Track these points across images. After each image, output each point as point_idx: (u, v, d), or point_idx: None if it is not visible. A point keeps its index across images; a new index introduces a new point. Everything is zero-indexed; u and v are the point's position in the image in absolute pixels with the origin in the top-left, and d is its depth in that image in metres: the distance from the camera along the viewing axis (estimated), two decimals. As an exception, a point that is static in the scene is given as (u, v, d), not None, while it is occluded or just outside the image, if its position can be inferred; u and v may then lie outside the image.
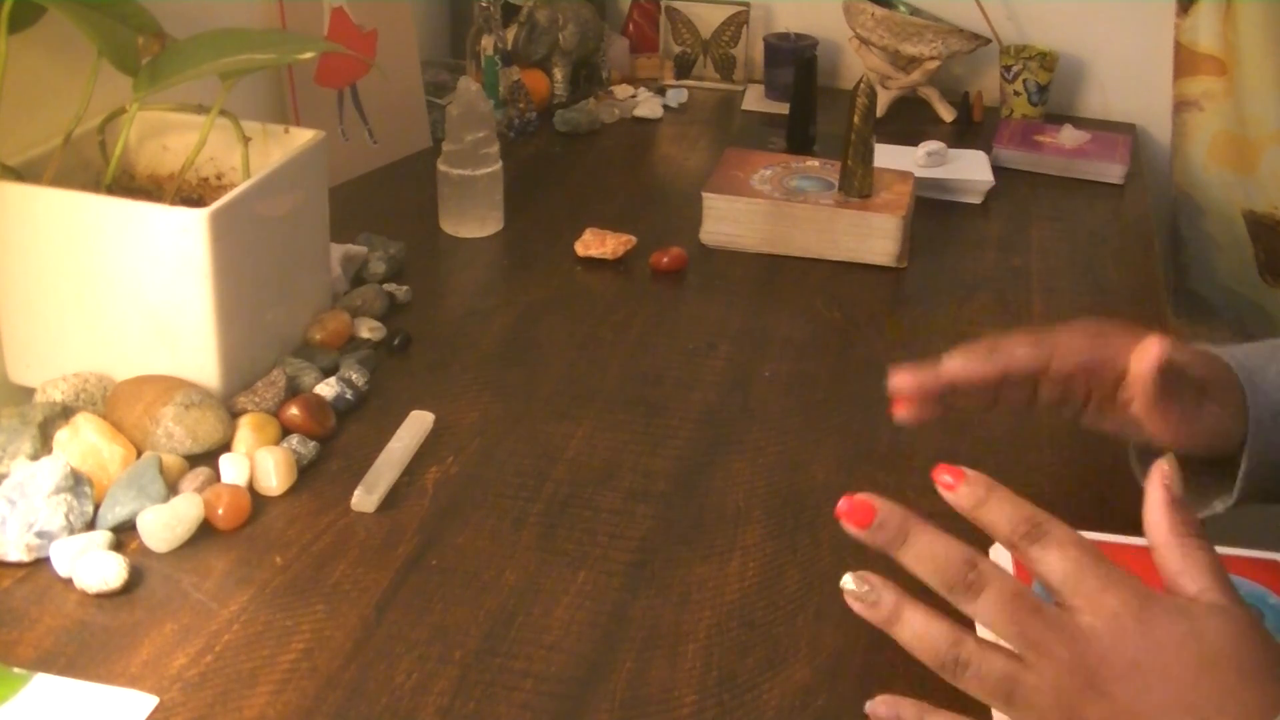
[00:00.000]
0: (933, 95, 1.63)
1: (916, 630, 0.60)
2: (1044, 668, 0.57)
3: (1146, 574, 0.70)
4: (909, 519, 0.61)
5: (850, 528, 0.61)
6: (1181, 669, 0.56)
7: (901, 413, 0.79)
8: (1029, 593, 0.58)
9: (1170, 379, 0.72)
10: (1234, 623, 0.57)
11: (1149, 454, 0.78)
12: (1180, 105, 1.60)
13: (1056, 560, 0.58)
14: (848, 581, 0.62)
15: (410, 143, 1.40)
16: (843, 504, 0.61)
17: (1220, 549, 0.69)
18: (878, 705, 0.64)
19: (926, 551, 0.60)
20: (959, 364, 0.77)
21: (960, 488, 0.61)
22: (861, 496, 0.61)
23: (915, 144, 1.41)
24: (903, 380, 0.78)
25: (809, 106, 1.44)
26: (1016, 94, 1.61)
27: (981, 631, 0.60)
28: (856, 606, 0.62)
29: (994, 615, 0.58)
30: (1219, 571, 0.58)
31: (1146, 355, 0.72)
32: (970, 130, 1.59)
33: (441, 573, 0.77)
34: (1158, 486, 0.60)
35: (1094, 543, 0.70)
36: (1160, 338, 0.72)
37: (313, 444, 0.87)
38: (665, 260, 1.17)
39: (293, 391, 0.92)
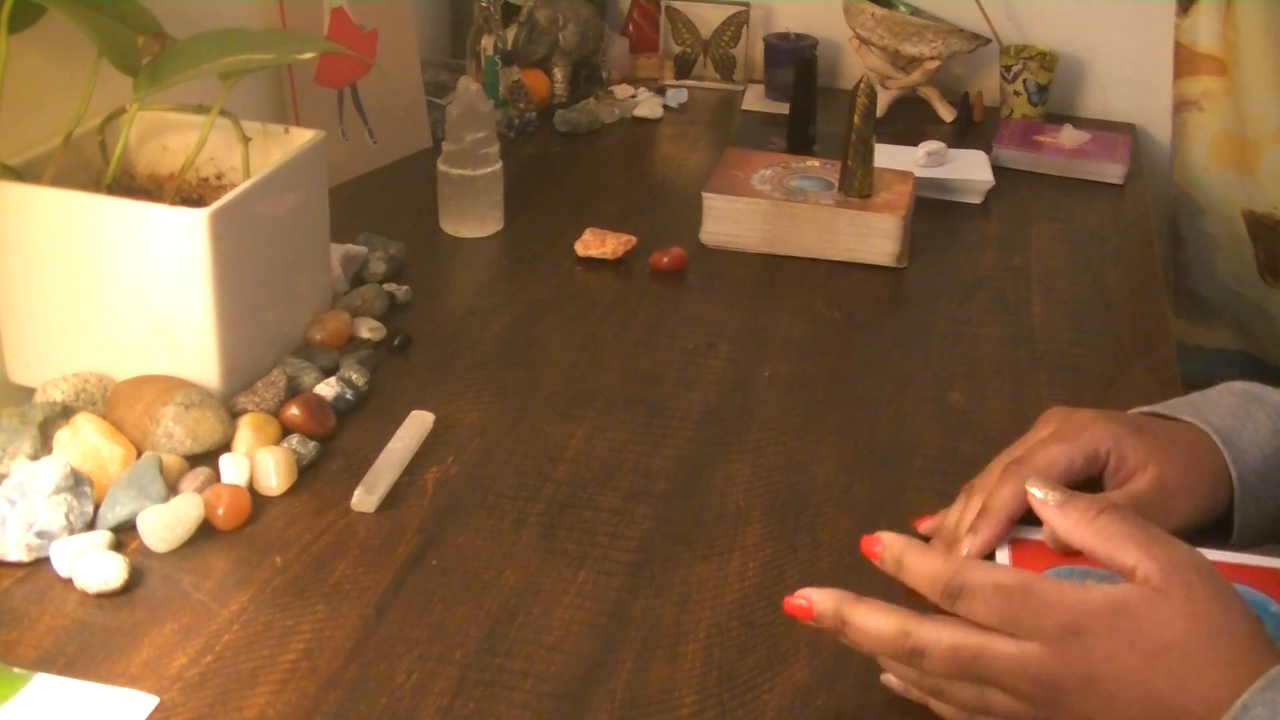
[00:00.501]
0: (933, 95, 1.63)
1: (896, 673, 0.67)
2: (1006, 703, 0.60)
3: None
4: (842, 604, 0.63)
5: (802, 619, 0.65)
6: (1132, 671, 0.57)
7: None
8: (964, 645, 0.60)
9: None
10: (1171, 605, 0.58)
11: None
12: (1180, 105, 1.60)
13: (981, 607, 0.60)
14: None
15: (410, 143, 1.40)
16: (786, 603, 0.65)
17: (1222, 555, 0.70)
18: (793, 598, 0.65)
19: (865, 631, 0.63)
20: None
21: (884, 555, 0.66)
22: (800, 595, 0.65)
23: (915, 144, 1.41)
24: None
25: (809, 106, 1.45)
26: (1016, 94, 1.61)
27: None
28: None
29: (944, 674, 0.61)
30: (1144, 536, 0.60)
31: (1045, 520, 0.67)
32: (970, 130, 1.59)
33: (441, 573, 0.77)
34: (1040, 507, 0.64)
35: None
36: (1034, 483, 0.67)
37: (313, 444, 0.87)
38: (665, 260, 1.17)
39: (293, 391, 0.92)
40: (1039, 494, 0.64)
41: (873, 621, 0.62)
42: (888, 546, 0.65)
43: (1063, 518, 0.63)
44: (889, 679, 0.68)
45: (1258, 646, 0.57)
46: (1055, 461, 0.72)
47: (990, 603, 0.60)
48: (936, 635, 0.60)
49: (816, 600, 0.64)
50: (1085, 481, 0.73)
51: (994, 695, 0.61)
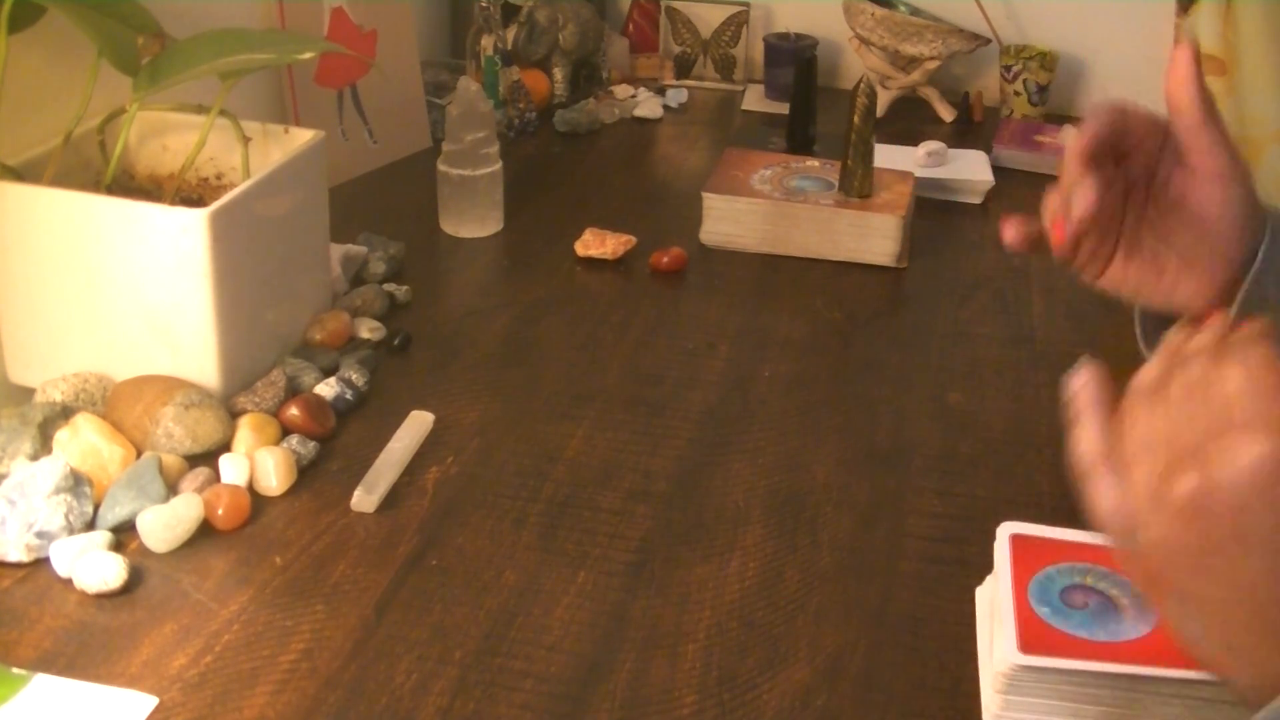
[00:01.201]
0: (933, 95, 1.63)
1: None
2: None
3: None
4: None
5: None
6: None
7: (1059, 238, 0.76)
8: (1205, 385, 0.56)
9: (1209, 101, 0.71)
10: None
11: (1154, 320, 0.79)
12: (1180, 105, 1.60)
13: (1238, 378, 0.55)
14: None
15: (410, 143, 1.40)
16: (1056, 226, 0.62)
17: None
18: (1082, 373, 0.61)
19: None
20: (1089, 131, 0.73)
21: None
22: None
23: (915, 144, 1.41)
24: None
25: (809, 106, 1.44)
26: (1016, 94, 1.61)
27: None
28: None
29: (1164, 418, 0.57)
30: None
31: (1179, 63, 0.70)
32: (970, 130, 1.59)
33: (441, 573, 0.77)
34: (1186, 57, 0.60)
35: (1090, 544, 0.70)
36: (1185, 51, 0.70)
37: (313, 444, 0.87)
38: (665, 260, 1.17)
39: (293, 391, 0.92)
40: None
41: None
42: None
43: (1191, 92, 0.58)
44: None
45: None
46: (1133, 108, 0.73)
47: (1226, 377, 0.54)
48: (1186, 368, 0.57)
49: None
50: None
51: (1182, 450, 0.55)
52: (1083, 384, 0.61)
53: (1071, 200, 0.72)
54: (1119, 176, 0.75)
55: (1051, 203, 0.75)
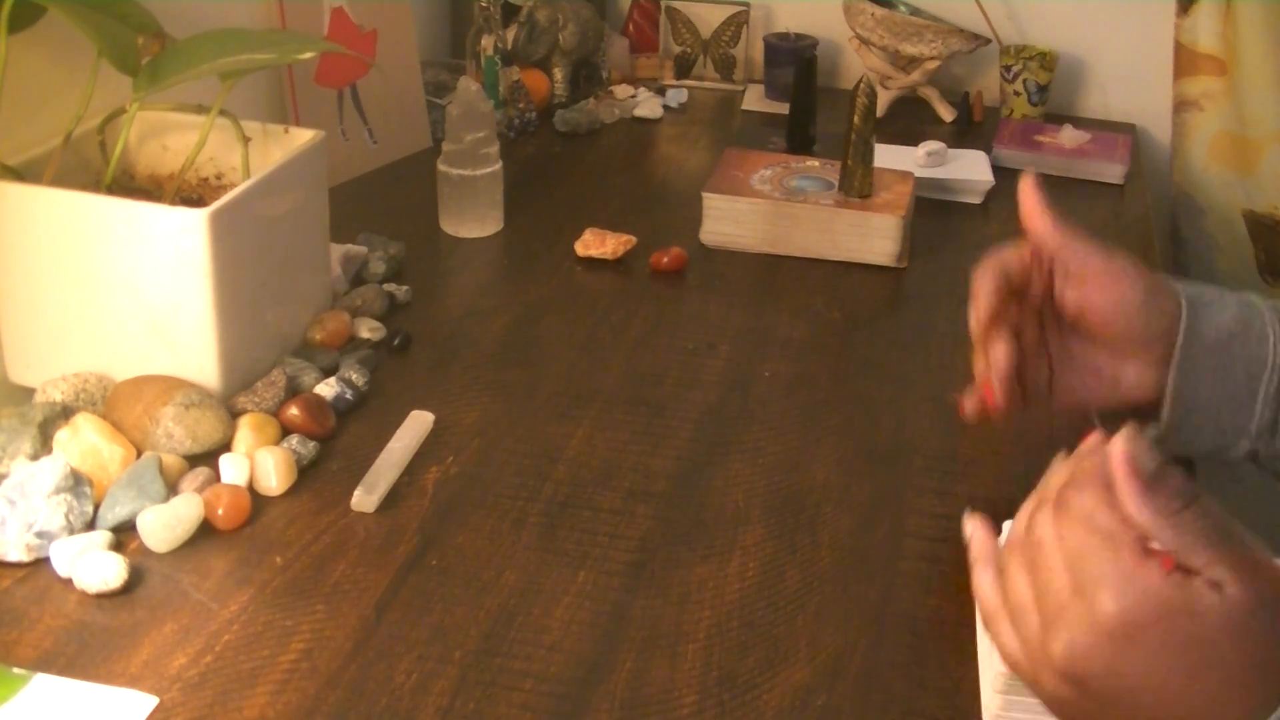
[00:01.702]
0: (933, 95, 1.63)
1: (978, 587, 0.63)
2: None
3: None
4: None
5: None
6: (1174, 676, 0.53)
7: (1000, 394, 0.81)
8: (1019, 592, 0.58)
9: (1062, 220, 0.82)
10: (1230, 610, 0.52)
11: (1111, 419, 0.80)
12: (1180, 105, 1.60)
13: (1079, 528, 0.57)
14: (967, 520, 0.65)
15: (410, 143, 1.40)
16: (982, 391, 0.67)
17: None
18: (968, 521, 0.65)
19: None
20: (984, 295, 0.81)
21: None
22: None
23: (915, 144, 1.41)
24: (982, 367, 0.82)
25: (809, 106, 1.44)
26: (1016, 94, 1.61)
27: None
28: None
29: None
30: (1220, 539, 0.54)
31: (1025, 195, 0.82)
32: (970, 130, 1.59)
33: (441, 573, 0.77)
34: (1124, 474, 0.55)
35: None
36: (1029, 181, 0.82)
37: (313, 444, 0.87)
38: (665, 260, 1.17)
39: (293, 391, 0.92)
40: (1132, 453, 0.55)
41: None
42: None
43: (1145, 502, 0.55)
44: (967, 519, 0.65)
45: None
46: (1008, 253, 0.82)
47: (1078, 532, 0.56)
48: (1040, 517, 0.58)
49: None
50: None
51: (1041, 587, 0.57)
52: (970, 536, 0.64)
53: (990, 363, 0.79)
54: (1026, 311, 0.83)
55: (978, 368, 0.81)
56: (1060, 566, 0.56)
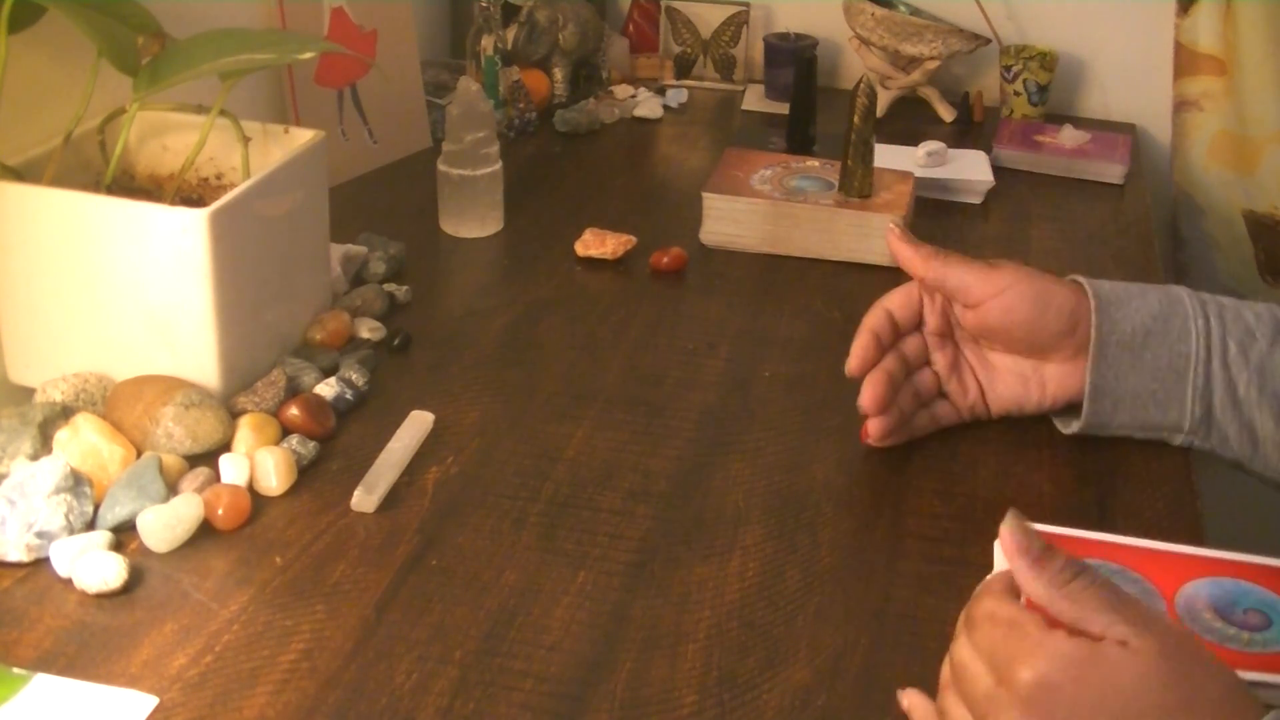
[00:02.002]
0: (933, 95, 1.63)
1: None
2: None
3: (1147, 572, 0.70)
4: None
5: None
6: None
7: (873, 430, 0.89)
8: (956, 660, 0.60)
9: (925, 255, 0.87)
10: (1145, 663, 0.54)
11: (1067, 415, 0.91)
12: (1180, 105, 1.60)
13: (980, 636, 0.59)
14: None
15: (410, 143, 1.40)
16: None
17: (1232, 555, 0.70)
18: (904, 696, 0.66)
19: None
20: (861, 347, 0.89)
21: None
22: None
23: (915, 144, 1.41)
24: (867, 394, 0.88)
25: (809, 106, 1.44)
26: (1016, 94, 1.61)
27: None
28: None
29: (950, 684, 0.61)
30: (1114, 602, 0.56)
31: (891, 243, 0.89)
32: (970, 130, 1.59)
33: (441, 573, 0.77)
34: (1012, 554, 0.58)
35: (1090, 541, 0.71)
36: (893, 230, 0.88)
37: (313, 444, 0.87)
38: (665, 260, 1.17)
39: (293, 391, 0.92)
40: (1016, 536, 0.59)
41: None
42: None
43: (1033, 577, 0.58)
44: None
45: (1242, 702, 0.55)
46: (893, 292, 0.89)
47: (985, 632, 0.59)
48: (955, 646, 0.61)
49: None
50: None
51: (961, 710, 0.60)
52: (909, 709, 0.65)
53: (862, 405, 0.87)
54: (935, 339, 0.91)
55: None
56: (981, 670, 0.58)
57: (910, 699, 0.65)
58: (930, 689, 0.70)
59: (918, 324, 0.91)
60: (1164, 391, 0.86)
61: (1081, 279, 0.89)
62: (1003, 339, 0.89)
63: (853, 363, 0.87)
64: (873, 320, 0.89)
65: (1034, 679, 0.55)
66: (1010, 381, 0.91)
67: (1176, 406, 0.86)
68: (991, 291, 0.86)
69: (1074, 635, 0.56)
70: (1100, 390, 0.86)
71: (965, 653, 0.60)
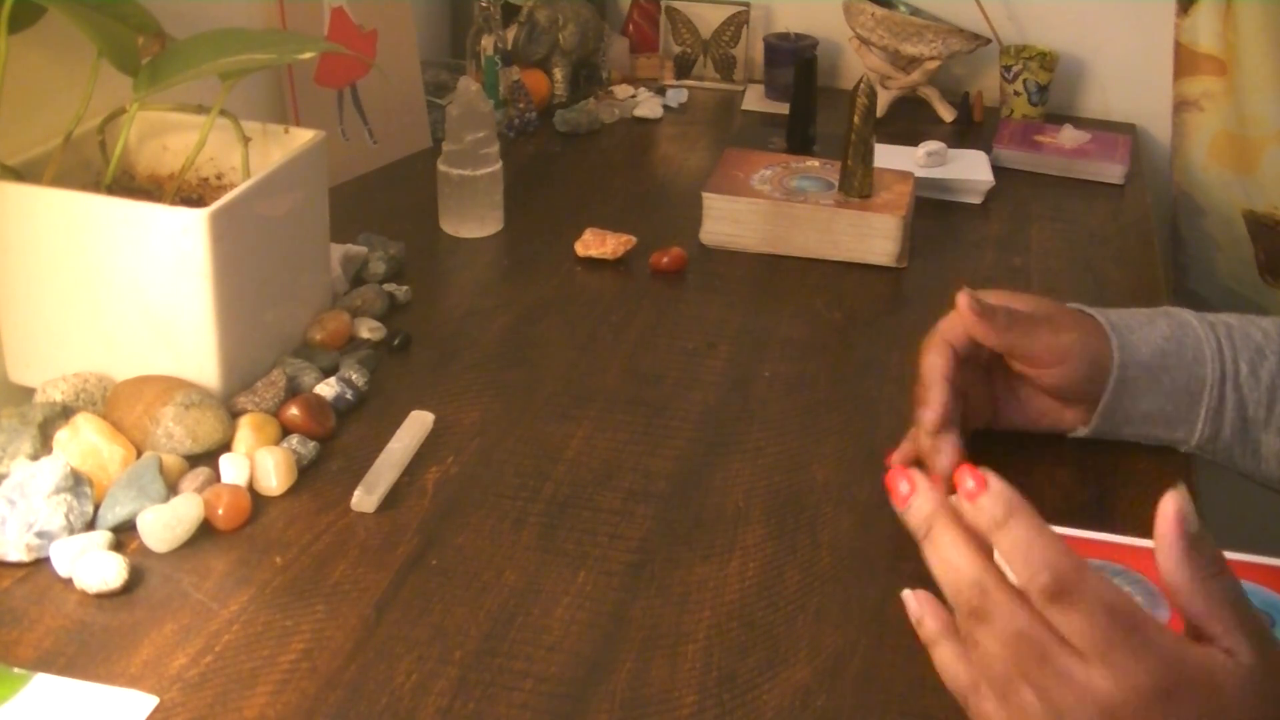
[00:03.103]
0: (933, 95, 1.63)
1: (941, 664, 0.60)
2: (1036, 714, 0.54)
3: (1148, 572, 0.70)
4: (937, 513, 0.56)
5: (892, 500, 0.59)
6: None
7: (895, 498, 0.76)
8: (1038, 638, 0.53)
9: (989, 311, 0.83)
10: (1262, 686, 0.52)
11: None
12: (1180, 105, 1.60)
13: (1082, 624, 0.52)
14: (908, 598, 0.61)
15: (410, 143, 1.40)
16: (891, 472, 0.59)
17: (1233, 555, 0.70)
18: (910, 597, 0.61)
19: (944, 555, 0.56)
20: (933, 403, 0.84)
21: (980, 500, 0.55)
22: (910, 471, 0.58)
23: (915, 144, 1.41)
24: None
25: (809, 106, 1.44)
26: (1016, 94, 1.61)
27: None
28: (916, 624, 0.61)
29: (995, 652, 0.55)
30: (1244, 611, 0.53)
31: (961, 309, 0.84)
32: (970, 130, 1.59)
33: (441, 573, 0.77)
34: (1173, 525, 0.54)
35: (1090, 541, 0.70)
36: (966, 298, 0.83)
37: (313, 444, 0.87)
38: (665, 260, 1.17)
39: (293, 391, 0.92)
40: (1182, 510, 0.54)
41: (955, 553, 0.55)
42: (993, 496, 0.55)
43: (1180, 563, 0.53)
44: (907, 596, 0.61)
45: None
46: (954, 322, 0.84)
47: (1095, 622, 0.52)
48: (1013, 610, 0.54)
49: (916, 497, 0.57)
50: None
51: (1026, 697, 0.54)
52: (918, 620, 0.61)
53: (935, 459, 0.83)
54: (971, 367, 0.87)
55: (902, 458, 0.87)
56: (1026, 691, 0.54)
57: (921, 621, 0.60)
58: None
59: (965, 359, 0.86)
60: (1176, 412, 0.86)
61: (1090, 311, 0.88)
62: (1049, 391, 0.88)
63: (933, 418, 0.82)
64: (944, 365, 0.84)
65: (1156, 684, 0.52)
66: (1028, 410, 0.90)
67: (1185, 427, 0.86)
68: (1055, 360, 0.85)
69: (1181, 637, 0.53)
70: (1112, 409, 0.86)
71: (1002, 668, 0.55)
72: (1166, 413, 0.86)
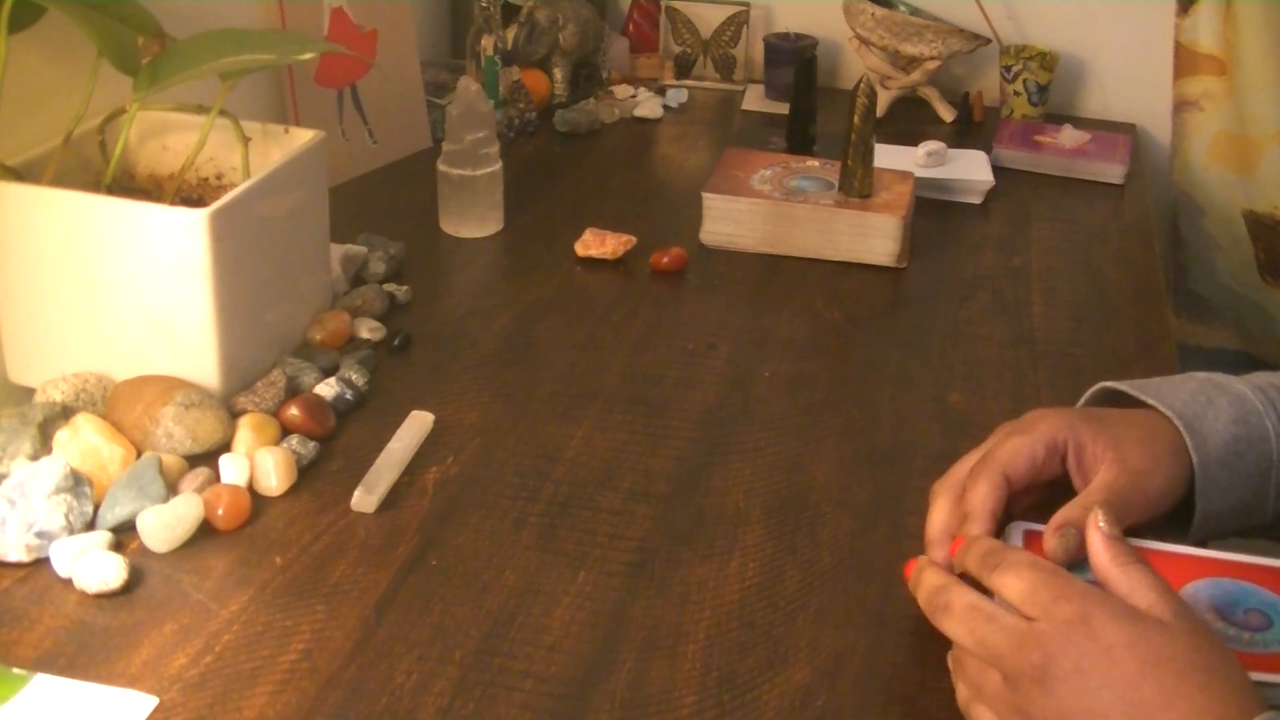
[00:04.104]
0: (933, 95, 1.63)
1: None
2: (1001, 670, 0.62)
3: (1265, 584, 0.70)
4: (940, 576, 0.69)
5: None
6: (1124, 671, 0.58)
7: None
8: (985, 604, 0.64)
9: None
10: (1180, 632, 0.59)
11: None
12: (1180, 105, 1.60)
13: (1012, 580, 0.64)
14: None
15: (410, 143, 1.40)
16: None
17: (1233, 556, 0.70)
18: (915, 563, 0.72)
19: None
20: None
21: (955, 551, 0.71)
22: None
23: (915, 144, 1.41)
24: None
25: (809, 106, 1.44)
26: (1016, 94, 1.61)
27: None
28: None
29: (957, 629, 0.65)
30: (1163, 588, 0.62)
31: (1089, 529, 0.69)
32: (970, 130, 1.59)
33: (441, 573, 0.77)
34: (1093, 528, 0.66)
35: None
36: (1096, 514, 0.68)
37: (313, 444, 0.87)
38: (665, 260, 1.17)
39: (293, 391, 0.92)
40: (1101, 522, 0.66)
41: (928, 575, 0.69)
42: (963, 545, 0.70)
43: (1102, 549, 0.65)
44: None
45: (1250, 694, 0.58)
46: (1018, 453, 0.74)
47: (1021, 575, 0.63)
48: (963, 592, 0.65)
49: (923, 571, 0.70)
50: (1052, 479, 0.75)
51: (989, 674, 0.63)
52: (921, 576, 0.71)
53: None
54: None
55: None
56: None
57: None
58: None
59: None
60: (1252, 499, 0.77)
61: (1157, 403, 0.77)
62: None
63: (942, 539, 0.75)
64: (994, 500, 0.73)
65: (1077, 611, 0.61)
66: None
67: (1260, 511, 0.78)
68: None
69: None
70: (1206, 514, 0.76)
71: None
72: (1243, 496, 0.77)
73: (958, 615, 0.65)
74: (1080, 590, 0.62)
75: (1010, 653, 0.61)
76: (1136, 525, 0.73)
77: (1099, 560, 0.64)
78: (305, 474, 0.86)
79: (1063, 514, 0.70)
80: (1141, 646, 0.59)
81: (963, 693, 0.66)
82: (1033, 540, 0.71)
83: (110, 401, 0.87)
